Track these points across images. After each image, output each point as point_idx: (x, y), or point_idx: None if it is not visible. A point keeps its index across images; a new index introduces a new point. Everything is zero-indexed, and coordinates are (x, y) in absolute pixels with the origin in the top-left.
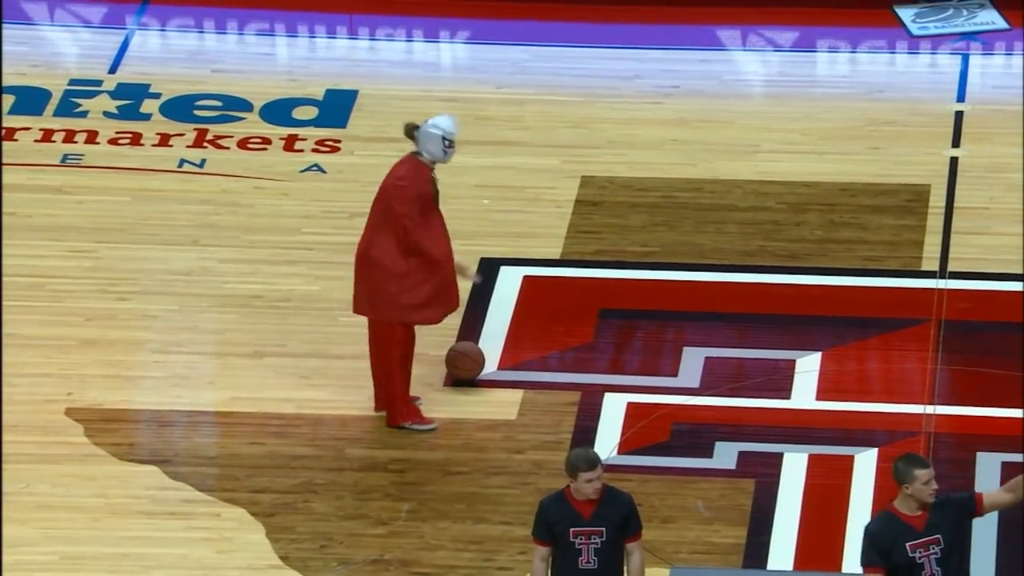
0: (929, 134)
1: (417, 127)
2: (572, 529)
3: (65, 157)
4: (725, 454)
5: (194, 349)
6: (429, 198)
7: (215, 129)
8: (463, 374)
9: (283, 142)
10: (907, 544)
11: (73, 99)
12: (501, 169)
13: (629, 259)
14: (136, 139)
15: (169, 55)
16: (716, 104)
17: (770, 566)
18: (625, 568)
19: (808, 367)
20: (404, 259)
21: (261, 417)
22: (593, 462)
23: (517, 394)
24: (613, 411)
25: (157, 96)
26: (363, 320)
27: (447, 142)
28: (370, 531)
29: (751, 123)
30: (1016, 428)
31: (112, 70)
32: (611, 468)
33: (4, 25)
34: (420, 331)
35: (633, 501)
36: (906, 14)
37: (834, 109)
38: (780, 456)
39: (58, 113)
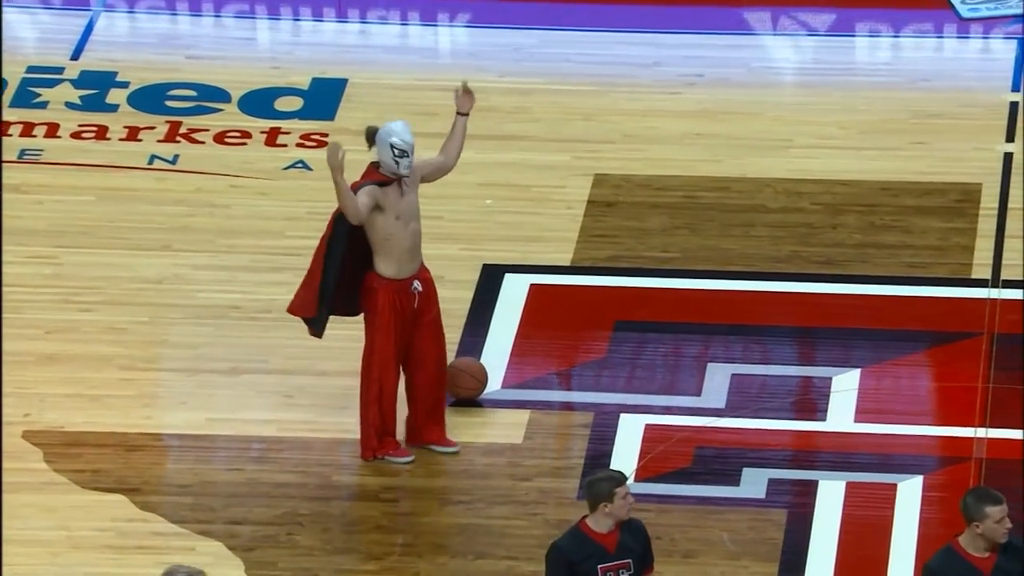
0: (980, 127)
1: (376, 131)
2: (601, 566)
3: (23, 152)
4: (753, 482)
5: (165, 365)
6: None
7: (189, 122)
8: (464, 392)
9: (264, 136)
10: None
11: (32, 88)
12: (505, 166)
13: (647, 266)
14: (101, 133)
15: (138, 39)
16: (744, 94)
17: None
18: None
19: (845, 385)
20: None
21: (239, 440)
22: (623, 475)
23: (523, 415)
24: (629, 434)
25: (125, 85)
26: (352, 334)
27: (397, 151)
28: (360, 567)
29: (783, 115)
30: None
31: (75, 56)
32: None
33: None
34: None
35: (645, 528)
36: None
37: (875, 100)
38: (815, 484)
39: (15, 104)
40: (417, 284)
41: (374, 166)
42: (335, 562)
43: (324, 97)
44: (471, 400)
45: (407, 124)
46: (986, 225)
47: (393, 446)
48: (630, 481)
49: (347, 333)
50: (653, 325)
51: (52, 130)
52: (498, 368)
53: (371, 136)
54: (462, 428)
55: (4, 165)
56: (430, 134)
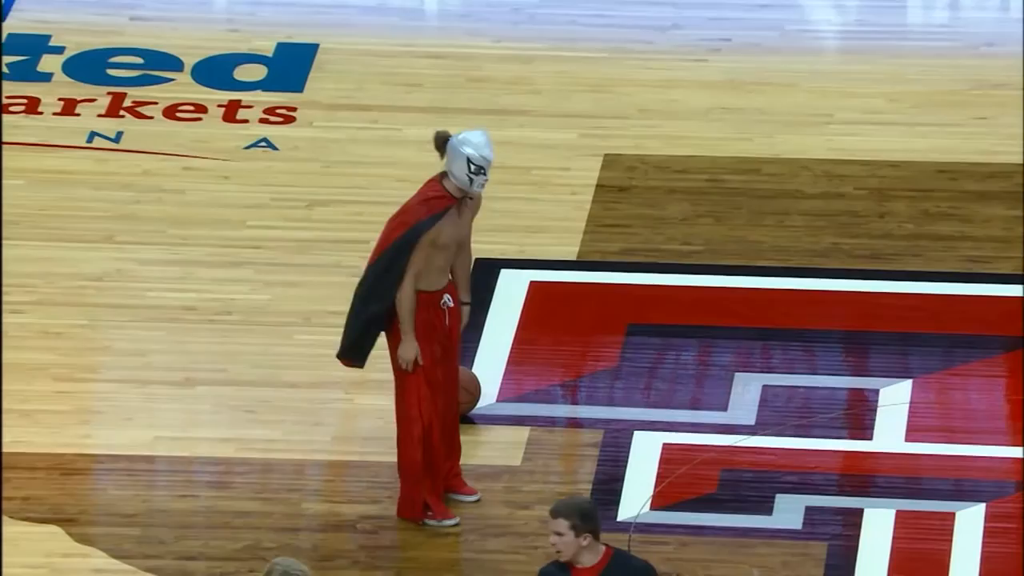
0: None
1: (447, 139)
2: None
3: None
4: (789, 510)
5: (108, 376)
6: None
7: (134, 93)
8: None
9: (222, 110)
10: None
11: None
12: (501, 145)
13: (665, 260)
14: (33, 106)
15: None
16: (777, 62)
17: None
18: None
19: (895, 399)
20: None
21: (194, 462)
22: (555, 512)
23: (522, 432)
24: (645, 455)
25: (59, 51)
26: (323, 339)
27: (473, 166)
28: None
29: (822, 86)
30: None
31: (1, 17)
32: (643, 528)
33: None
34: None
35: (654, 573)
36: None
37: (929, 68)
38: (860, 513)
39: None
40: (448, 299)
41: (439, 179)
42: None
43: (291, 65)
44: (462, 416)
45: (488, 136)
46: None
47: (441, 510)
48: (645, 509)
49: (316, 339)
50: (672, 329)
51: None
52: (493, 379)
53: (442, 143)
54: None
55: None
56: (413, 108)
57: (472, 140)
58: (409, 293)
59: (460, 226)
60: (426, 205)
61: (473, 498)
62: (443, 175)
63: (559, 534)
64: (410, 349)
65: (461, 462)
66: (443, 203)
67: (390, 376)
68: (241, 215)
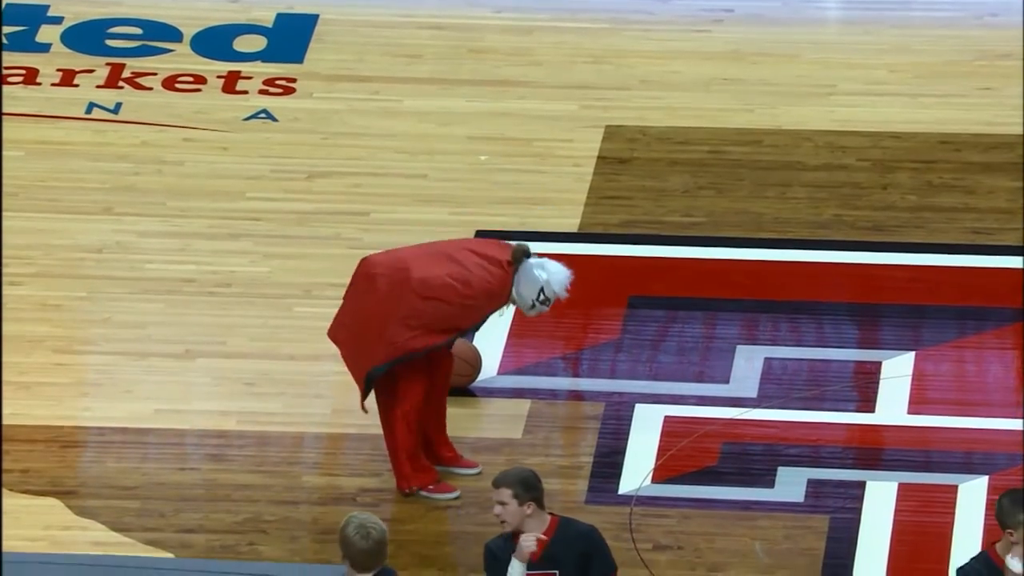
0: None
1: (528, 256)
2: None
3: None
4: (790, 483)
5: (107, 348)
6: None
7: (134, 64)
8: (455, 380)
9: (222, 81)
10: None
11: None
12: (502, 116)
13: (666, 232)
14: (31, 77)
15: None
16: (779, 33)
17: None
18: None
19: (897, 371)
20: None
21: (193, 435)
22: (498, 482)
23: (523, 405)
24: (646, 427)
25: (58, 21)
26: (321, 311)
27: (543, 297)
28: None
29: (824, 57)
30: None
31: None
32: (645, 501)
33: None
34: None
35: (597, 535)
36: None
37: (933, 38)
38: (862, 486)
39: None
40: None
41: (510, 270)
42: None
43: (291, 36)
44: (463, 388)
45: (569, 274)
46: None
47: (433, 478)
48: (646, 482)
49: (316, 311)
50: (673, 301)
51: None
52: (494, 351)
53: (521, 258)
54: (452, 421)
55: None
56: (414, 79)
57: (553, 273)
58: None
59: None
60: (489, 299)
61: (474, 471)
62: (510, 268)
63: (503, 503)
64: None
65: (462, 434)
66: (501, 302)
67: None
68: (240, 187)
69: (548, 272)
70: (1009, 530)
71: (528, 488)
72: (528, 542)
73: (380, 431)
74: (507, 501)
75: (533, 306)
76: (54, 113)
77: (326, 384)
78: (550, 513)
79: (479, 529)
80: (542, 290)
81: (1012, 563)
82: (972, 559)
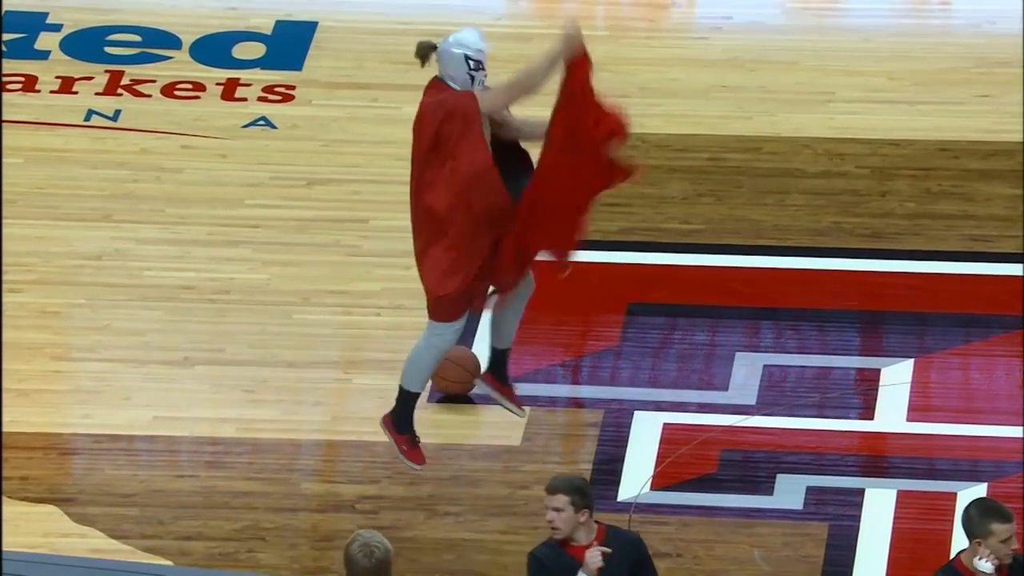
0: None
1: (434, 47)
2: None
3: None
4: (789, 490)
5: (106, 355)
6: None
7: (132, 71)
8: (452, 387)
9: (220, 89)
10: None
11: None
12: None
13: (665, 239)
14: (30, 84)
15: None
16: (778, 40)
17: None
18: None
19: (896, 378)
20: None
21: (192, 442)
22: (554, 488)
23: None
24: (645, 435)
25: (57, 28)
26: (323, 319)
27: (472, 63)
28: None
29: (823, 64)
30: None
31: None
32: (644, 508)
33: None
34: (398, 334)
35: (642, 542)
36: None
37: (932, 46)
38: (861, 493)
39: None
40: None
41: (436, 82)
42: None
43: (290, 43)
44: (461, 395)
45: (476, 29)
46: None
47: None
48: (645, 489)
49: (315, 318)
50: (672, 308)
51: None
52: None
53: (427, 52)
54: (451, 427)
55: None
56: (413, 86)
57: (464, 39)
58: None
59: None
60: (463, 96)
61: (520, 414)
62: (438, 79)
63: (558, 510)
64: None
65: (460, 441)
66: (470, 95)
67: (388, 356)
68: (239, 194)
69: (461, 43)
70: (978, 539)
71: (584, 495)
72: (595, 558)
73: (378, 438)
74: (563, 508)
75: (473, 78)
76: (53, 120)
77: (325, 391)
78: (596, 521)
79: (478, 536)
80: (467, 58)
81: (982, 565)
82: (939, 570)
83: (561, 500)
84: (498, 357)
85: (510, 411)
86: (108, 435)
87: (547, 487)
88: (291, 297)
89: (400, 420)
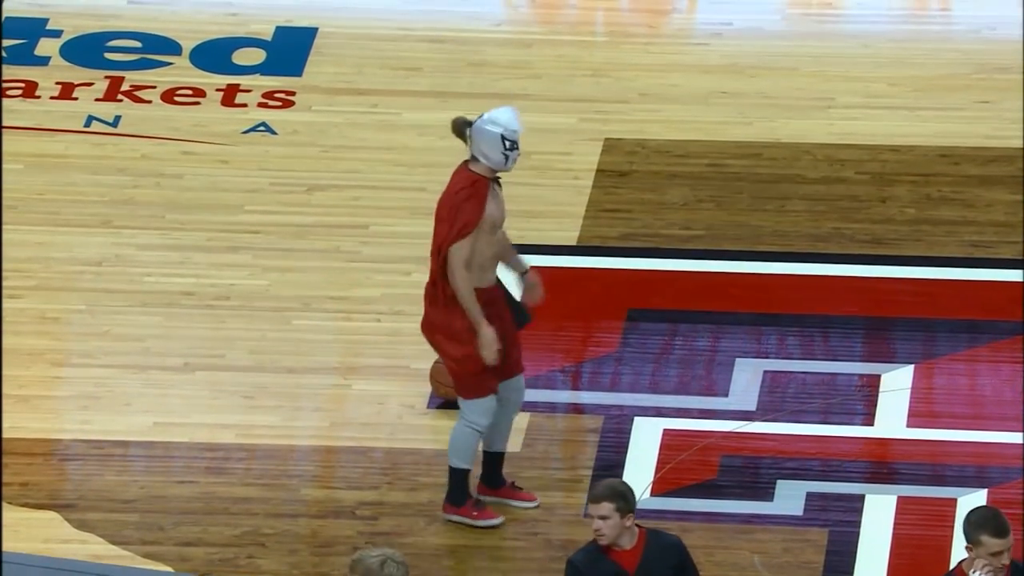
0: None
1: (470, 124)
2: None
3: None
4: (789, 496)
5: (106, 361)
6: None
7: (133, 77)
8: (452, 392)
9: (221, 95)
10: None
11: None
12: None
13: (665, 245)
14: (30, 90)
15: None
16: (778, 46)
17: None
18: None
19: (896, 384)
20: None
21: (192, 448)
22: (599, 497)
23: (522, 418)
24: (645, 440)
25: (57, 34)
26: (322, 324)
27: (508, 143)
28: None
29: (823, 70)
30: None
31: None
32: (643, 514)
33: None
34: (397, 340)
35: (684, 545)
36: None
37: (931, 52)
38: (861, 499)
39: None
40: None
41: (465, 167)
42: None
43: (290, 49)
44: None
45: (515, 111)
46: None
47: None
48: (645, 496)
49: (315, 324)
50: (672, 314)
51: None
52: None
53: (463, 128)
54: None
55: None
56: (413, 92)
57: (501, 118)
58: (464, 276)
59: (500, 206)
60: (462, 180)
61: (533, 504)
62: (469, 161)
63: (604, 518)
64: (490, 339)
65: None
66: (484, 185)
67: (387, 361)
68: (239, 200)
69: (498, 122)
70: (969, 546)
71: (627, 500)
72: None
73: (378, 443)
74: (609, 515)
75: (507, 158)
76: (53, 126)
77: (324, 397)
78: (637, 525)
79: (478, 543)
80: (503, 138)
81: None
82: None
83: (607, 508)
84: (490, 462)
85: (524, 508)
86: (108, 441)
87: (590, 496)
88: (291, 303)
89: (458, 496)
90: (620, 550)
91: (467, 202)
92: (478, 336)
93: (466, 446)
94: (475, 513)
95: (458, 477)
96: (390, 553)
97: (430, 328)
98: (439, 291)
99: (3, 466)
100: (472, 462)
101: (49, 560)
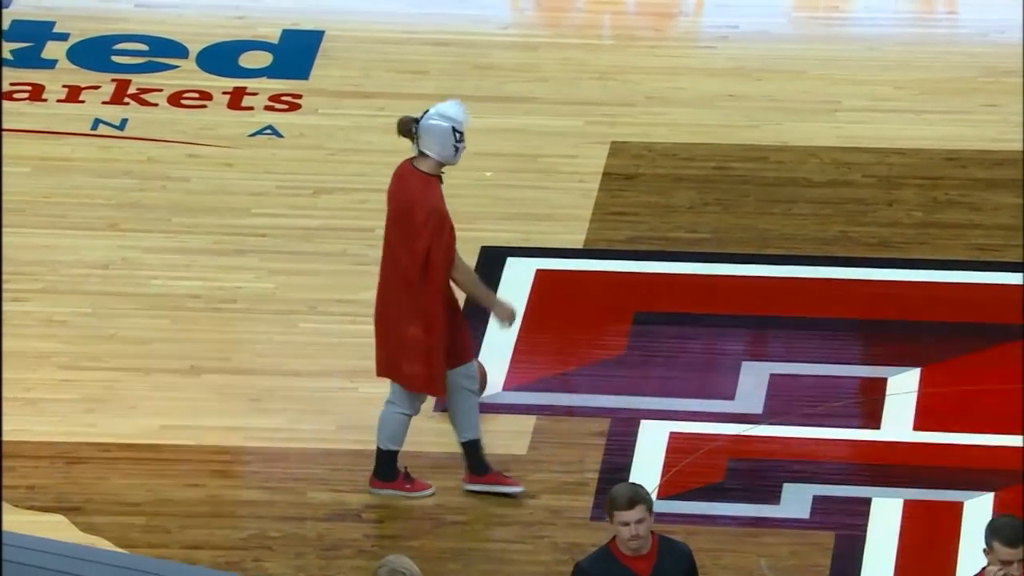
0: None
1: (416, 121)
2: None
3: None
4: (796, 500)
5: (112, 364)
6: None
7: (139, 80)
8: None
9: (227, 98)
10: None
11: None
12: (508, 133)
13: (672, 248)
14: (37, 93)
15: None
16: (784, 49)
17: None
18: None
19: (903, 387)
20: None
21: (199, 451)
22: (633, 500)
23: (528, 421)
24: (652, 444)
25: (64, 37)
26: (328, 328)
27: (458, 135)
28: None
29: (830, 73)
30: None
31: (4, 3)
32: None
33: None
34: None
35: (692, 554)
36: None
37: (938, 55)
38: (867, 502)
39: None
40: None
41: (410, 164)
42: None
43: (296, 52)
44: None
45: (460, 103)
46: None
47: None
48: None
49: (321, 327)
50: (679, 317)
51: None
52: (499, 367)
53: (410, 126)
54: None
55: None
56: (419, 95)
57: (449, 111)
58: (465, 270)
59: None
60: (419, 181)
61: (519, 490)
62: (415, 159)
63: (641, 521)
64: (508, 311)
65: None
66: (439, 185)
67: None
68: (246, 203)
69: (447, 115)
70: (985, 549)
71: (651, 502)
72: None
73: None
74: (644, 517)
75: (457, 150)
76: (60, 129)
77: (331, 400)
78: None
79: (484, 546)
80: (453, 130)
81: None
82: None
83: (642, 510)
84: (469, 451)
85: (509, 495)
86: (115, 444)
87: (621, 503)
88: (297, 306)
89: (387, 473)
90: (635, 555)
91: (445, 219)
92: (497, 310)
93: (398, 430)
94: (407, 486)
95: (387, 457)
96: (395, 563)
97: (388, 326)
98: (413, 293)
99: (10, 469)
100: (402, 443)
101: (45, 542)
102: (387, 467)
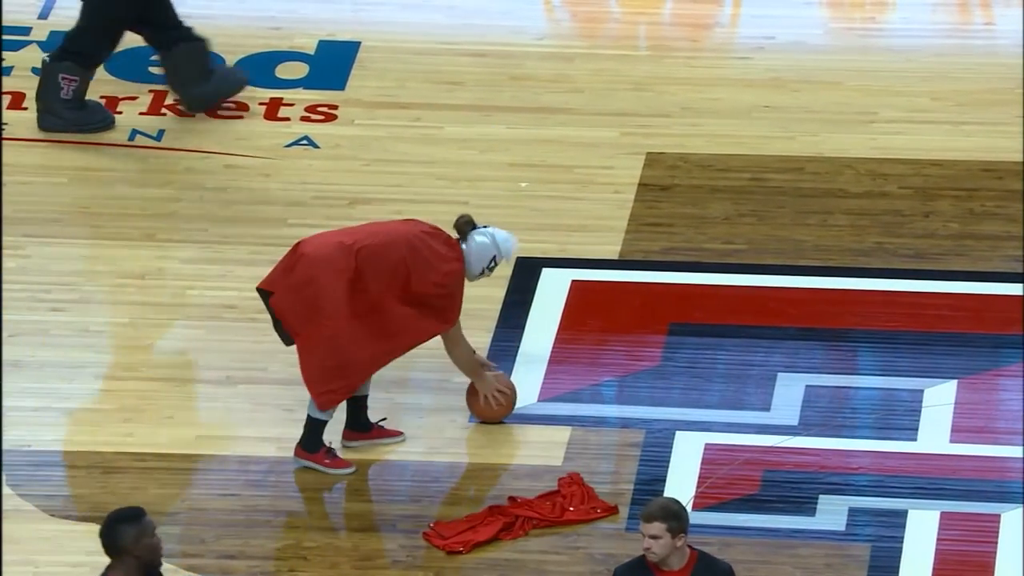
0: None
1: (474, 226)
2: None
3: None
4: (831, 511)
5: (149, 374)
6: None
7: None
8: (488, 413)
9: (264, 108)
10: None
11: None
12: (543, 143)
13: (707, 259)
14: None
15: None
16: (821, 60)
17: None
18: None
19: (939, 399)
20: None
21: (234, 461)
22: (651, 515)
23: (563, 432)
24: (687, 455)
25: None
26: None
27: (493, 264)
28: None
29: (866, 84)
30: None
31: (43, 15)
32: None
33: None
34: (440, 352)
35: (734, 573)
36: None
37: (975, 66)
38: (904, 514)
39: None
40: None
41: (458, 244)
42: None
43: (333, 63)
44: (498, 421)
45: (514, 240)
46: None
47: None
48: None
49: None
50: (714, 328)
51: (17, 100)
52: (534, 378)
53: (466, 227)
54: (492, 448)
55: None
56: (455, 106)
57: (503, 243)
58: (466, 349)
59: None
60: (445, 263)
61: (399, 439)
62: (459, 241)
63: (655, 537)
64: (488, 385)
65: (503, 461)
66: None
67: (430, 375)
68: (282, 213)
69: (500, 246)
70: None
71: (680, 520)
72: None
73: (422, 457)
74: (660, 535)
75: (482, 274)
76: (97, 140)
77: (367, 410)
78: (689, 546)
79: (520, 556)
80: (493, 258)
81: None
82: None
83: (658, 527)
84: (354, 406)
85: (393, 444)
86: (151, 454)
87: (642, 514)
88: None
89: (312, 443)
90: (668, 570)
91: (458, 296)
92: (481, 383)
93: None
94: (327, 461)
95: (315, 426)
96: None
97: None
98: (357, 295)
99: (46, 479)
100: (332, 415)
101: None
102: (310, 436)
